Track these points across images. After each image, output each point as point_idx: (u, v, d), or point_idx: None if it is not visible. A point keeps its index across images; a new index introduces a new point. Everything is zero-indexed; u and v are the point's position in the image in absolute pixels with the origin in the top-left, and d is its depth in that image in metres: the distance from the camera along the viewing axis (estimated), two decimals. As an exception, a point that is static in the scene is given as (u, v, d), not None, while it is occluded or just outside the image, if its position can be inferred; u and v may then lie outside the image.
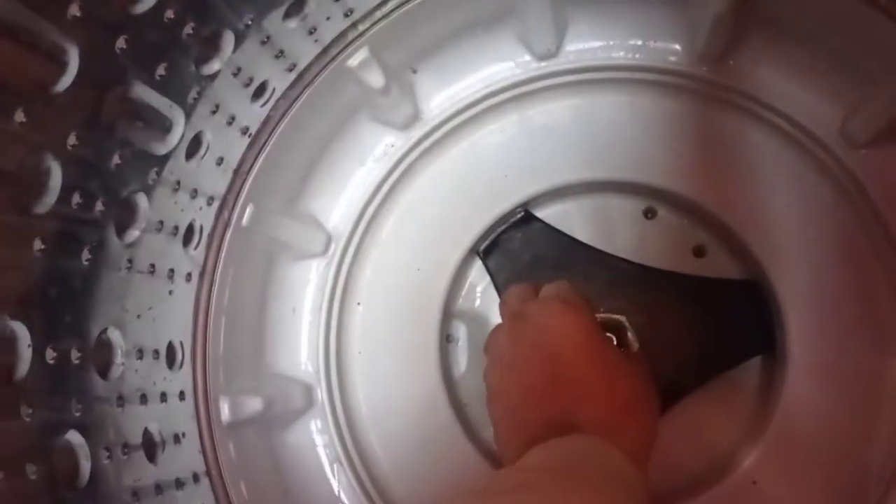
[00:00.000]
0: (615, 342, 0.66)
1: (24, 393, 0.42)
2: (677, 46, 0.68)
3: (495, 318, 0.73)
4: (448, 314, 0.72)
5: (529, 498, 0.42)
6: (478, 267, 0.74)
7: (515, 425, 0.54)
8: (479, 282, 0.75)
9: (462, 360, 0.73)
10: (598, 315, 0.66)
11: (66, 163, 0.44)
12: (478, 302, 0.75)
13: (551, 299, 0.58)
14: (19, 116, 0.41)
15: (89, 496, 0.46)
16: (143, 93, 0.49)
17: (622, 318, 0.64)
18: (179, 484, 0.53)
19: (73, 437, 0.46)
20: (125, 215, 0.51)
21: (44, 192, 0.43)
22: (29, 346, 0.42)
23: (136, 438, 0.51)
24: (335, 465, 0.67)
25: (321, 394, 0.68)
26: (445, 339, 0.72)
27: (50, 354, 0.44)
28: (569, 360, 0.53)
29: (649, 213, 0.73)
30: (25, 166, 0.42)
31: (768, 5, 0.62)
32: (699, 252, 0.72)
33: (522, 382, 0.54)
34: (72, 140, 0.44)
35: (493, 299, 0.73)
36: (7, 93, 0.40)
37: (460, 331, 0.74)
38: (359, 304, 0.71)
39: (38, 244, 0.43)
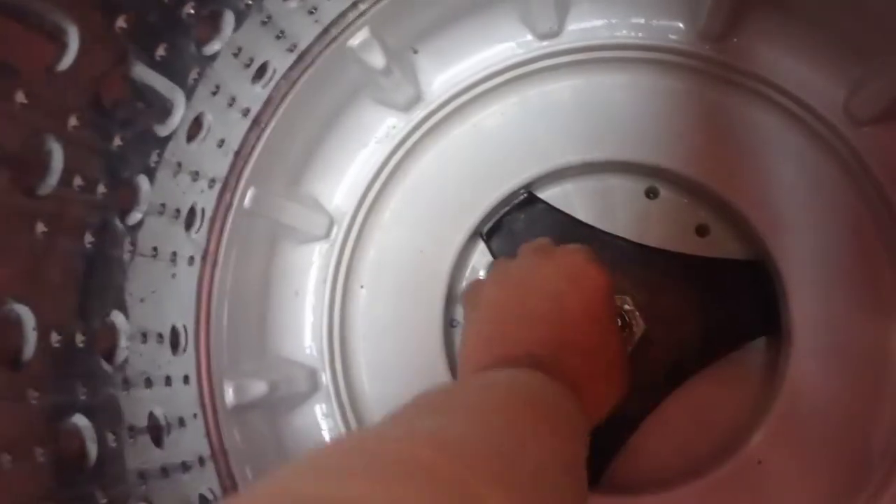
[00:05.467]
0: (619, 323, 0.67)
1: (30, 376, 0.42)
2: (680, 25, 0.68)
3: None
4: (452, 296, 0.72)
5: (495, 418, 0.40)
6: (480, 249, 0.74)
7: (486, 344, 0.53)
8: (482, 265, 0.74)
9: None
10: None
11: (68, 144, 0.44)
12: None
13: (579, 251, 0.58)
14: (20, 97, 0.41)
15: (96, 478, 0.45)
16: (143, 74, 0.49)
17: (626, 298, 0.65)
18: (186, 467, 0.53)
19: (80, 420, 0.45)
20: (127, 198, 0.50)
21: (46, 173, 0.43)
22: (34, 329, 0.42)
23: (142, 422, 0.50)
24: (341, 447, 0.67)
25: (325, 377, 0.68)
26: (450, 322, 0.72)
27: (55, 338, 0.44)
28: (572, 306, 0.53)
29: (651, 193, 0.73)
30: (27, 148, 0.42)
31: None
32: (702, 231, 0.72)
33: (514, 306, 0.54)
34: (73, 121, 0.44)
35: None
36: (8, 73, 0.40)
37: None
38: (362, 286, 0.71)
39: (41, 227, 0.43)
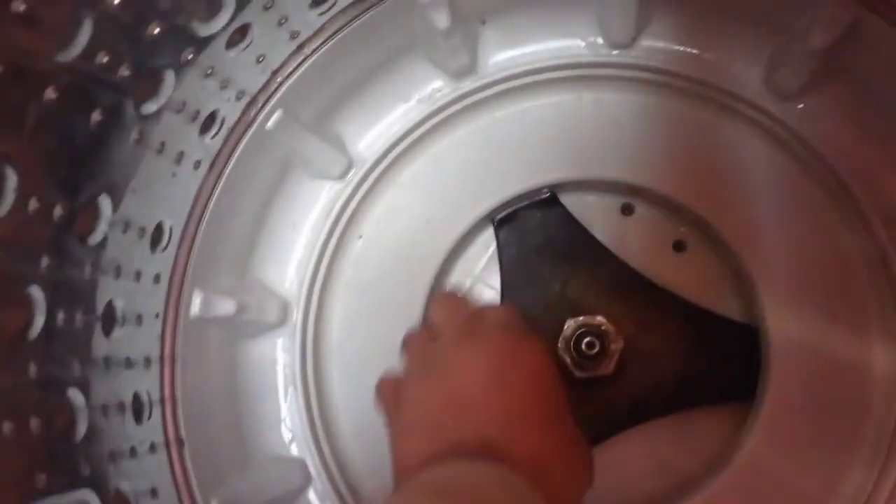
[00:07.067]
0: (597, 348, 0.66)
1: (-5, 236, 0.41)
2: (753, 74, 0.66)
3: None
4: (444, 271, 0.71)
5: None
6: (486, 235, 0.73)
7: (427, 435, 0.48)
8: (482, 252, 0.74)
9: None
10: (583, 318, 0.68)
11: (101, 19, 0.43)
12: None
13: (507, 323, 0.53)
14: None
15: (37, 352, 0.45)
16: (198, -31, 0.47)
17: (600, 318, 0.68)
18: (129, 363, 0.53)
19: (35, 291, 0.45)
20: (148, 87, 0.49)
21: (70, 42, 0.42)
22: (14, 191, 0.41)
23: (98, 308, 0.50)
24: (289, 388, 0.67)
25: (297, 314, 0.68)
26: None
27: (32, 205, 0.43)
28: (516, 385, 0.49)
29: (627, 210, 0.73)
30: (58, 12, 0.41)
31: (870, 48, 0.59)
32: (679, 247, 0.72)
33: (453, 392, 0.49)
34: (111, -2, 0.43)
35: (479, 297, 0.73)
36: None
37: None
38: (360, 237, 0.70)
39: (50, 92, 0.42)
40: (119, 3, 0.43)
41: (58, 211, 0.45)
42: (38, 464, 0.44)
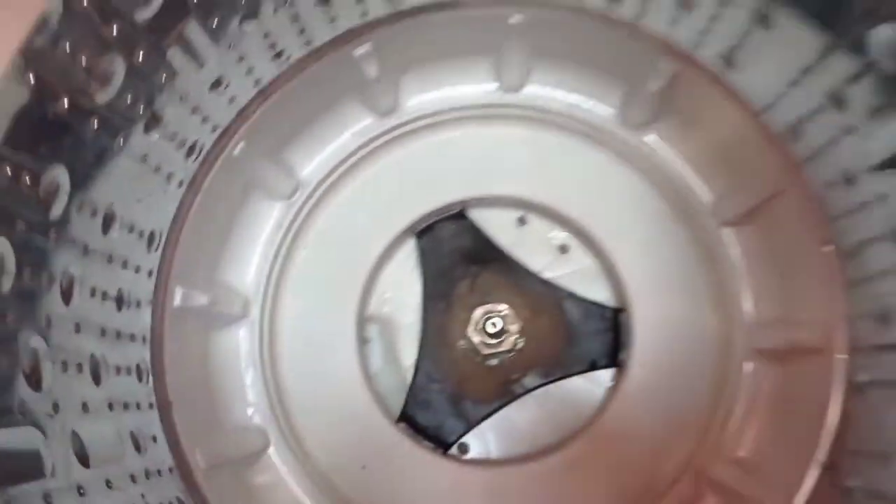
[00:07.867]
0: (498, 328, 0.83)
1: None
2: (610, 111, 0.85)
3: (405, 320, 0.88)
4: (375, 273, 0.86)
5: None
6: (409, 245, 0.89)
7: None
8: (405, 261, 0.89)
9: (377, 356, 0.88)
10: (488, 306, 0.84)
11: (129, 70, 0.57)
12: (385, 308, 0.89)
13: None
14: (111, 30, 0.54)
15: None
16: (195, 33, 0.62)
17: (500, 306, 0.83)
18: (133, 338, 0.66)
19: (76, 268, 0.58)
20: (154, 120, 0.63)
21: (108, 86, 0.56)
22: (67, 193, 0.55)
23: (113, 292, 0.63)
24: (250, 369, 0.81)
25: (255, 309, 0.82)
26: (366, 296, 0.86)
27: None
28: None
29: (521, 221, 0.90)
30: (99, 65, 0.56)
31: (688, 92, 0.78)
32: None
33: None
34: (138, 54, 0.58)
35: (404, 305, 0.88)
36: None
37: (373, 331, 0.88)
38: (305, 248, 0.85)
39: (94, 123, 0.56)
40: (142, 59, 0.58)
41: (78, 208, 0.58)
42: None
